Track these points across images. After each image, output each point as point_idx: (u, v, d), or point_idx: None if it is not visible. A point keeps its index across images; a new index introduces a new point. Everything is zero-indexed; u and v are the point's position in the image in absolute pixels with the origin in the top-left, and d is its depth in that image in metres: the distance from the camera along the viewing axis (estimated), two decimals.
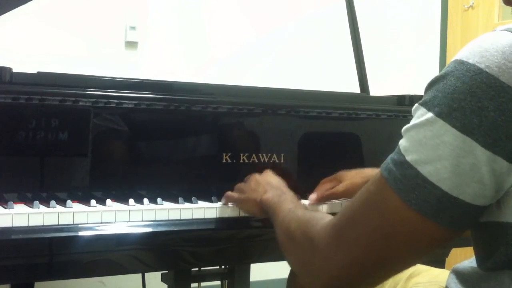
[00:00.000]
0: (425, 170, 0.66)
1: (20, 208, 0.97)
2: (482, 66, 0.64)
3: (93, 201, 1.02)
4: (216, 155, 1.22)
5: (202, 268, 1.42)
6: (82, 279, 1.08)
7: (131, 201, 1.06)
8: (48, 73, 1.12)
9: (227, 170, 1.22)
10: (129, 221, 1.00)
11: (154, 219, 1.02)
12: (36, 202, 0.98)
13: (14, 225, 0.90)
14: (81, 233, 0.94)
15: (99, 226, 0.97)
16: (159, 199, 1.08)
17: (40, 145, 1.06)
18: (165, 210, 1.05)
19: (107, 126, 1.15)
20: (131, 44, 2.25)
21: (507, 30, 0.66)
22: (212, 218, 1.09)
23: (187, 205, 1.09)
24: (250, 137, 1.28)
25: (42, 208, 0.97)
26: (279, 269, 1.36)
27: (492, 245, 0.71)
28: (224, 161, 1.22)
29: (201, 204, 1.11)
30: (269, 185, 1.07)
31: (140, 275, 1.52)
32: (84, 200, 1.05)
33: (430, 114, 0.66)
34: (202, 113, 1.22)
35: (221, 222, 1.10)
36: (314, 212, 0.91)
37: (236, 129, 1.28)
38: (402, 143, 0.70)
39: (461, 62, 0.66)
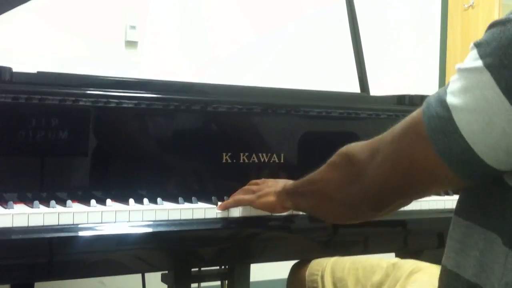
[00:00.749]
0: (459, 118, 0.67)
1: (20, 208, 0.97)
2: None
3: (93, 201, 1.02)
4: (216, 155, 1.22)
5: (202, 268, 1.42)
6: (82, 279, 1.08)
7: (131, 201, 1.06)
8: (48, 73, 1.12)
9: (227, 170, 1.22)
10: (129, 221, 1.00)
11: (154, 219, 1.02)
12: (36, 202, 0.98)
13: (14, 225, 0.90)
14: (81, 233, 0.94)
15: (99, 226, 0.97)
16: (159, 199, 1.08)
17: (40, 145, 1.06)
18: (165, 210, 1.05)
19: (107, 126, 1.15)
20: (131, 44, 2.25)
21: None
22: (212, 218, 1.09)
23: (187, 205, 1.09)
24: (250, 137, 1.28)
25: (42, 208, 0.97)
26: (279, 269, 1.36)
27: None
28: (224, 161, 1.22)
29: (201, 204, 1.11)
30: (276, 182, 1.12)
31: (140, 275, 1.52)
32: (84, 200, 1.05)
33: (480, 63, 0.65)
34: (202, 113, 1.22)
35: (221, 222, 1.10)
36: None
37: (236, 129, 1.28)
38: (451, 81, 0.70)
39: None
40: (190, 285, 1.30)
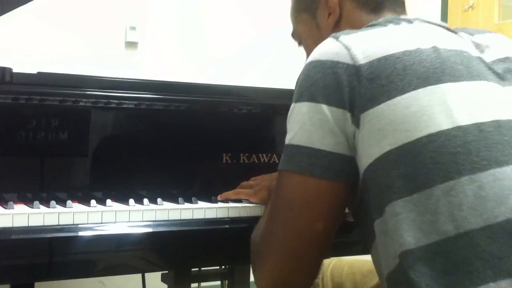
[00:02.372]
0: (296, 140, 0.86)
1: (20, 208, 0.97)
2: (312, 59, 0.88)
3: (93, 201, 1.02)
4: (216, 155, 1.22)
5: (202, 268, 1.42)
6: (82, 279, 1.08)
7: (131, 201, 1.06)
8: (48, 73, 1.12)
9: (227, 170, 1.22)
10: (129, 221, 1.00)
11: (154, 219, 1.02)
12: (36, 202, 0.98)
13: (14, 225, 0.90)
14: (81, 233, 0.94)
15: (99, 226, 0.97)
16: (159, 199, 1.08)
17: (40, 145, 1.06)
18: (165, 210, 1.05)
19: (107, 127, 1.15)
20: (131, 44, 2.25)
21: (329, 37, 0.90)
22: (212, 218, 1.09)
23: (187, 205, 1.09)
24: (250, 137, 1.28)
25: (42, 208, 0.97)
26: None
27: (363, 211, 0.86)
28: (224, 161, 1.22)
29: (201, 204, 1.11)
30: (271, 175, 1.14)
31: (140, 275, 1.52)
32: (84, 200, 1.05)
33: (292, 105, 0.89)
34: (202, 113, 1.22)
35: (221, 222, 1.10)
36: None
37: (236, 129, 1.28)
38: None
39: (304, 66, 0.90)
40: (190, 285, 1.30)
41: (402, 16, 1.01)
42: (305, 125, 0.85)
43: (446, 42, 0.89)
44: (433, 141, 0.78)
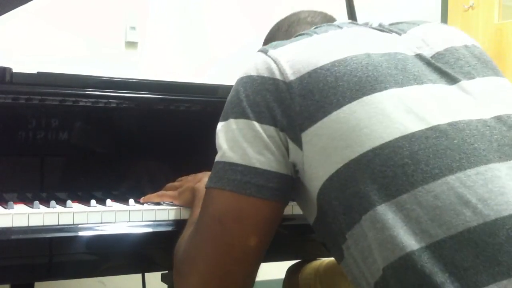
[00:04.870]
0: (227, 157, 0.81)
1: (20, 208, 0.97)
2: (242, 75, 0.86)
3: (93, 201, 1.02)
4: (216, 155, 1.22)
5: None
6: (82, 279, 1.08)
7: (131, 201, 1.06)
8: (48, 73, 1.12)
9: None
10: (129, 221, 1.00)
11: (154, 219, 1.02)
12: (36, 202, 0.98)
13: (14, 225, 0.90)
14: (81, 233, 0.94)
15: (99, 226, 0.97)
16: None
17: (40, 145, 1.06)
18: (165, 210, 1.05)
19: (107, 126, 1.15)
20: (131, 44, 2.25)
21: (258, 51, 0.88)
22: None
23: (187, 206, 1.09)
24: None
25: (42, 208, 0.97)
26: (279, 269, 1.36)
27: (328, 235, 0.83)
28: None
29: None
30: (206, 175, 1.05)
31: (140, 275, 1.52)
32: (84, 200, 1.05)
33: (221, 123, 0.86)
34: (202, 113, 1.22)
35: None
36: None
37: None
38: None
39: (234, 83, 0.88)
40: None
41: (335, 23, 0.96)
42: (237, 142, 0.81)
43: (378, 45, 0.84)
44: (379, 155, 0.74)
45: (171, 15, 2.34)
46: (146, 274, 1.50)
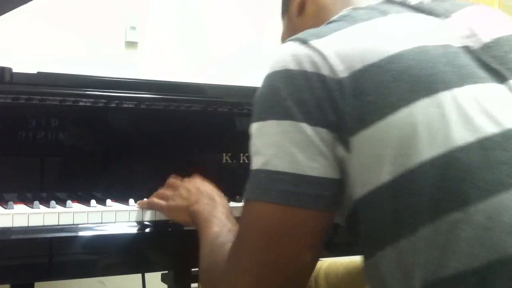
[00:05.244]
0: (272, 165, 0.72)
1: (20, 208, 0.97)
2: (277, 69, 0.75)
3: (93, 201, 1.02)
4: (216, 155, 1.22)
5: None
6: (82, 279, 1.07)
7: (131, 201, 1.06)
8: (48, 73, 1.12)
9: (227, 170, 1.22)
10: (129, 221, 1.00)
11: (154, 219, 1.02)
12: (36, 202, 0.98)
13: (14, 225, 0.90)
14: (81, 233, 0.94)
15: (99, 226, 0.97)
16: None
17: (40, 145, 1.06)
18: None
19: (107, 126, 1.15)
20: (131, 44, 2.25)
21: (290, 40, 0.78)
22: None
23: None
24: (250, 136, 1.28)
25: (42, 208, 0.97)
26: None
27: (358, 231, 0.76)
28: (224, 161, 1.22)
29: None
30: (200, 194, 1.01)
31: (140, 275, 1.52)
32: (84, 200, 1.05)
33: (257, 124, 0.75)
34: (202, 113, 1.22)
35: None
36: (231, 237, 0.85)
37: (236, 129, 1.28)
38: (251, 164, 0.76)
39: (264, 78, 0.78)
40: (190, 285, 1.30)
41: (370, 3, 0.85)
42: (284, 147, 0.72)
43: (430, 36, 0.77)
44: (436, 167, 0.68)
45: (171, 15, 2.34)
46: (146, 274, 1.50)
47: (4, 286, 1.06)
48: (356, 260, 1.19)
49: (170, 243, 1.05)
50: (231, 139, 1.26)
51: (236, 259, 0.76)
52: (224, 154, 1.22)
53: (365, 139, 0.70)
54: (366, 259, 0.78)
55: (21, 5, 1.24)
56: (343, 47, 0.74)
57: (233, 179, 1.19)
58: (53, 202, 1.00)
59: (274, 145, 0.72)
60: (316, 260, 0.77)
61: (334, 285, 1.15)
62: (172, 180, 1.10)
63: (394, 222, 0.70)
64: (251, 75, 2.40)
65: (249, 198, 0.75)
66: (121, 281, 1.99)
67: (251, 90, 1.40)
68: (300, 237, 0.73)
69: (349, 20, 0.78)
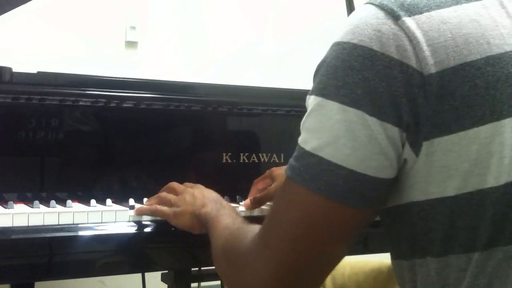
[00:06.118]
0: (326, 153, 0.65)
1: (20, 208, 0.97)
2: (355, 41, 0.65)
3: (93, 201, 1.02)
4: (216, 155, 1.22)
5: (202, 268, 1.42)
6: (82, 279, 1.07)
7: (131, 201, 1.06)
8: (48, 73, 1.12)
9: (227, 170, 1.22)
10: (129, 221, 1.00)
11: (154, 219, 1.02)
12: (36, 202, 0.98)
13: (14, 225, 0.90)
14: (81, 233, 0.94)
15: (99, 226, 0.97)
16: None
17: (40, 145, 1.06)
18: None
19: (107, 126, 1.15)
20: (131, 44, 2.25)
21: (369, 2, 0.67)
22: None
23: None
24: (250, 137, 1.28)
25: (42, 208, 0.97)
26: None
27: (400, 231, 0.72)
28: (224, 161, 1.22)
29: None
30: (207, 199, 0.99)
31: (140, 275, 1.52)
32: (84, 200, 1.05)
33: (319, 99, 0.67)
34: (202, 113, 1.22)
35: None
36: (247, 225, 0.84)
37: (236, 129, 1.28)
38: (300, 137, 0.70)
39: (337, 44, 0.67)
40: (190, 284, 1.31)
41: None
42: (344, 138, 0.64)
43: None
44: (508, 193, 0.62)
45: (171, 15, 2.34)
46: (146, 274, 1.50)
47: (4, 286, 1.06)
48: (362, 260, 1.19)
49: (170, 243, 1.05)
50: (231, 139, 1.26)
51: (268, 236, 0.71)
52: (224, 154, 1.22)
53: (439, 147, 0.64)
54: (397, 258, 0.75)
55: (21, 5, 1.24)
56: (439, 34, 0.63)
57: (233, 179, 1.19)
58: (53, 202, 1.00)
59: (332, 132, 0.65)
60: (347, 252, 0.73)
61: (340, 285, 1.15)
62: (174, 184, 1.07)
63: (446, 237, 0.66)
64: (251, 75, 2.40)
65: (295, 180, 0.68)
66: (121, 281, 2.00)
67: (251, 90, 1.42)
68: (340, 232, 0.69)
69: None
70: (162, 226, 1.03)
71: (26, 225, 0.91)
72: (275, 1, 2.48)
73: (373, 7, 0.66)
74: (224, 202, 1.00)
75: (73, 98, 1.08)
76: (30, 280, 1.04)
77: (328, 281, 1.17)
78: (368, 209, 0.68)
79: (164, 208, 1.00)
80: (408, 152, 0.65)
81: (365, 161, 0.64)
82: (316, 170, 0.66)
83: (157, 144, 1.20)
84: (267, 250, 0.70)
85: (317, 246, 0.68)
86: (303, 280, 0.69)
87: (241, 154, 1.24)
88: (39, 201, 0.99)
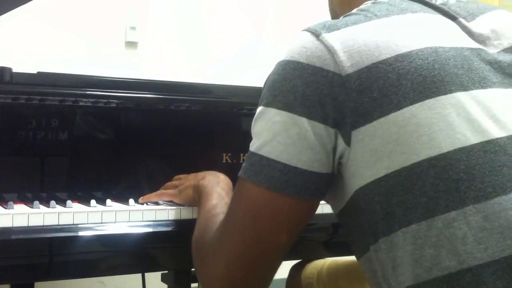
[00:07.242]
0: (265, 151, 0.77)
1: (20, 208, 0.97)
2: (288, 58, 0.78)
3: (93, 201, 1.02)
4: (216, 155, 1.22)
5: None
6: (82, 279, 1.07)
7: (131, 201, 1.06)
8: (48, 73, 1.12)
9: (227, 170, 1.22)
10: (129, 221, 1.00)
11: (154, 219, 1.02)
12: (36, 202, 0.98)
13: (14, 225, 0.90)
14: (81, 233, 0.94)
15: (99, 226, 0.97)
16: None
17: (40, 145, 1.06)
18: (165, 210, 1.05)
19: (107, 126, 1.15)
20: (131, 44, 2.25)
21: (303, 29, 0.80)
22: None
23: (187, 205, 1.09)
24: (250, 137, 1.28)
25: (42, 208, 0.97)
26: (282, 269, 1.36)
27: (355, 225, 0.80)
28: (224, 161, 1.22)
29: None
30: (207, 173, 1.08)
31: (140, 275, 1.52)
32: (84, 200, 1.06)
33: (261, 108, 0.80)
34: (202, 113, 1.22)
35: None
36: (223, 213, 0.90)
37: (236, 129, 1.28)
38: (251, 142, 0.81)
39: (277, 63, 0.80)
40: (190, 285, 1.30)
41: None
42: (279, 136, 0.76)
43: (445, 37, 0.78)
44: (434, 166, 0.70)
45: (171, 15, 2.34)
46: (146, 274, 1.50)
47: (4, 286, 1.06)
48: (356, 261, 1.19)
49: (170, 243, 1.05)
50: (231, 139, 1.26)
51: (223, 230, 0.82)
52: (224, 154, 1.22)
53: (365, 134, 0.73)
54: (361, 253, 0.81)
55: (21, 5, 1.24)
56: (353, 42, 0.75)
57: (233, 179, 1.19)
58: (53, 202, 1.00)
59: (271, 133, 0.77)
60: (292, 243, 0.81)
61: (335, 284, 1.16)
62: (179, 175, 1.14)
63: (386, 216, 0.73)
64: (251, 75, 2.40)
65: (242, 176, 0.80)
66: (121, 281, 2.00)
67: (251, 90, 1.42)
68: (280, 220, 0.78)
69: (367, 14, 0.79)
70: (162, 226, 1.03)
71: (26, 225, 0.91)
72: (275, 2, 2.48)
73: (304, 31, 0.80)
74: (222, 176, 1.07)
75: (73, 98, 1.08)
76: (30, 280, 1.05)
77: (323, 278, 1.18)
78: (307, 200, 0.77)
79: (170, 190, 1.08)
80: (341, 145, 0.75)
81: (296, 155, 0.75)
82: (258, 166, 0.77)
83: (157, 144, 1.20)
84: (221, 242, 0.81)
85: (263, 235, 0.78)
86: (253, 272, 0.80)
87: (241, 154, 1.24)
88: (39, 201, 0.99)
